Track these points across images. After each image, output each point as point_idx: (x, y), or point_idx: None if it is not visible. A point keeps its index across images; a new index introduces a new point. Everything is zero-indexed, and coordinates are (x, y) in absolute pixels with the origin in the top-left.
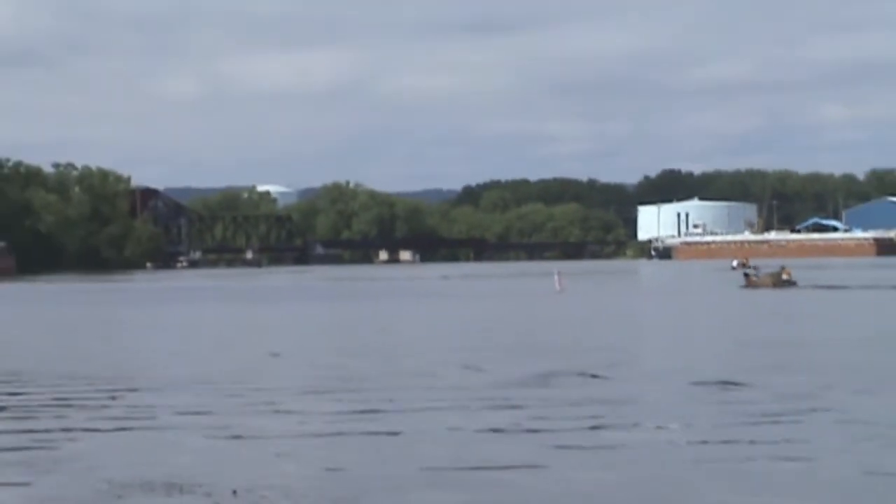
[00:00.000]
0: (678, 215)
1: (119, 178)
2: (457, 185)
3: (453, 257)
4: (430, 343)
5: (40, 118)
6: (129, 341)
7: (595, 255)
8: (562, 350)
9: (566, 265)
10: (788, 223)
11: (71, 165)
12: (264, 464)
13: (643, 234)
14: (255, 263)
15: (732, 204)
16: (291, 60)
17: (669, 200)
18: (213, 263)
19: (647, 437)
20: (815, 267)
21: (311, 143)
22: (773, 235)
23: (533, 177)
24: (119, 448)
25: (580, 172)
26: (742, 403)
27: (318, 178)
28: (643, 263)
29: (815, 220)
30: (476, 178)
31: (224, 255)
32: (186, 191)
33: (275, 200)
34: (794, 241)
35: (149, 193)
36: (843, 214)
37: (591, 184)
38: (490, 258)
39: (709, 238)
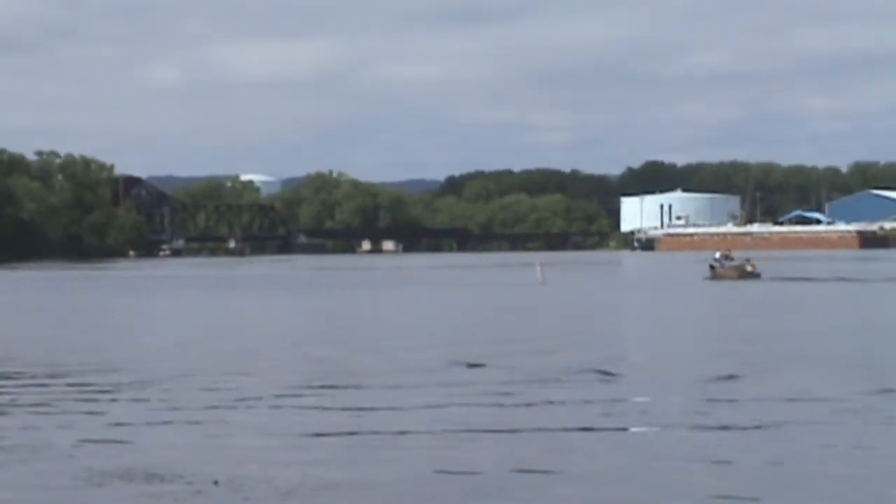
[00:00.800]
0: (661, 207)
1: (102, 167)
2: (440, 175)
3: (436, 247)
4: (408, 335)
5: (23, 105)
6: (110, 330)
7: (578, 246)
8: (535, 341)
9: (549, 256)
10: (771, 215)
11: (54, 153)
12: (245, 455)
13: (626, 226)
14: (238, 252)
15: (715, 196)
16: (275, 49)
17: (652, 192)
18: (196, 252)
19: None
20: (792, 259)
21: (294, 133)
22: (755, 227)
23: (516, 167)
24: (99, 437)
25: (563, 163)
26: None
27: (302, 168)
28: (625, 255)
29: (798, 212)
30: (459, 168)
31: (207, 243)
32: (169, 179)
33: (258, 189)
34: (776, 233)
35: (132, 181)
36: (826, 207)
37: (575, 175)
38: (473, 249)
39: (691, 230)
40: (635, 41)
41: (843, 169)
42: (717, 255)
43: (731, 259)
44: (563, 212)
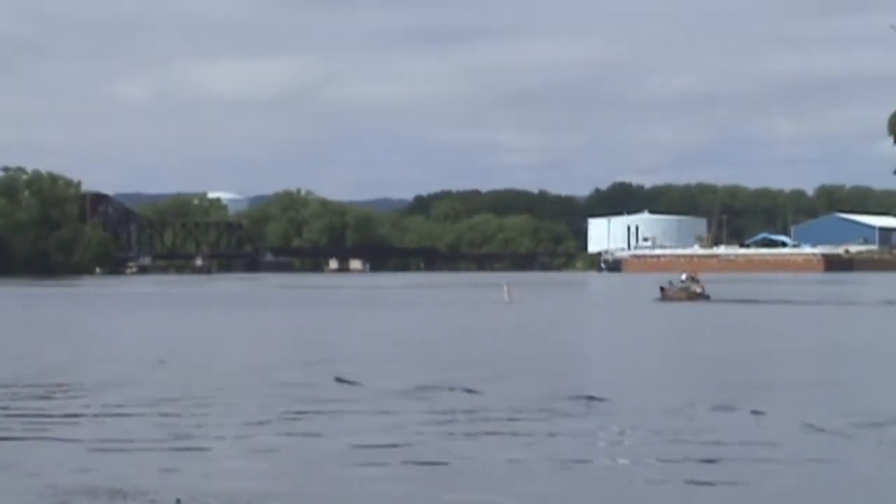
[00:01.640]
0: (628, 228)
1: (69, 183)
2: (408, 194)
3: (404, 267)
4: (370, 355)
5: None
6: (74, 347)
7: (545, 267)
8: (496, 362)
9: (516, 276)
10: (738, 238)
11: (21, 169)
12: (208, 473)
13: (593, 247)
14: (205, 270)
15: (682, 218)
16: (244, 67)
17: (620, 213)
18: (163, 269)
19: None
20: (753, 281)
21: (262, 151)
22: (722, 250)
23: (484, 187)
24: (63, 455)
25: (531, 184)
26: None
27: (270, 186)
28: (592, 276)
29: (765, 234)
30: (427, 187)
31: (174, 261)
32: (137, 196)
33: (225, 207)
34: (742, 255)
35: (99, 198)
36: (792, 230)
37: (542, 195)
38: (440, 268)
39: (658, 251)
40: (604, 63)
41: (809, 192)
42: (684, 276)
43: (697, 281)
44: (531, 232)
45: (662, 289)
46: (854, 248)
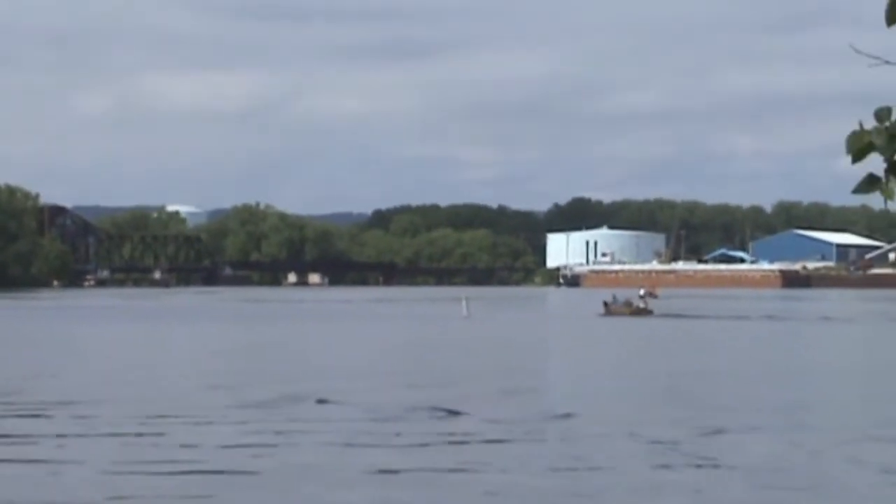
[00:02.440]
0: (587, 243)
1: (27, 195)
2: (367, 208)
3: (362, 281)
4: (316, 369)
5: None
6: (24, 362)
7: (503, 282)
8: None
9: (474, 291)
10: (696, 253)
11: None
12: (156, 490)
13: (552, 262)
14: (163, 283)
15: (641, 233)
16: (204, 81)
17: (579, 228)
18: (121, 283)
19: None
20: (707, 297)
21: (221, 164)
22: (680, 265)
23: (443, 202)
24: (16, 470)
25: (490, 199)
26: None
27: (229, 200)
28: (550, 291)
29: (723, 250)
30: (386, 202)
31: (132, 274)
32: (95, 209)
33: (184, 220)
34: (701, 271)
35: (57, 211)
36: (751, 246)
37: (501, 210)
38: (399, 282)
39: (617, 267)
40: (563, 78)
41: (768, 208)
42: (642, 291)
43: (656, 296)
44: (489, 247)
45: (606, 304)
46: (812, 265)
